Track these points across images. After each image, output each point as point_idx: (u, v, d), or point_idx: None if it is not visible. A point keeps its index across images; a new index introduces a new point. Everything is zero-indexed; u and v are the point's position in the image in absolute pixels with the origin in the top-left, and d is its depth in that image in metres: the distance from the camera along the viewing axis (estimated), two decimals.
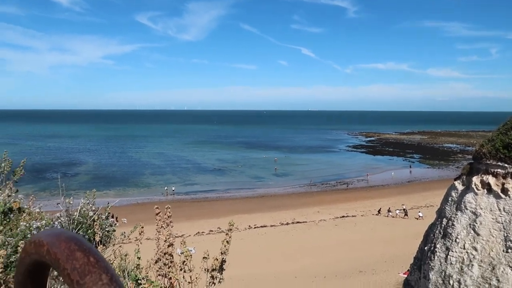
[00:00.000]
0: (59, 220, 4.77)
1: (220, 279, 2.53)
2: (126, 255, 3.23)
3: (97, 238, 3.59)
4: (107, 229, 4.84)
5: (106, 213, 5.21)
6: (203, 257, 2.60)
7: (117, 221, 5.67)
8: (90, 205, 5.06)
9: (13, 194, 5.38)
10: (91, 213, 4.84)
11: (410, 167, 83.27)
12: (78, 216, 4.82)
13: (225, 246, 2.62)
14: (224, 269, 2.59)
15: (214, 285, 2.51)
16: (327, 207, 50.72)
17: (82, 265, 0.81)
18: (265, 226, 43.00)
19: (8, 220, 4.99)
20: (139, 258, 2.79)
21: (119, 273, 2.98)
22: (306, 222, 44.52)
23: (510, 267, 11.86)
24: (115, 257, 3.67)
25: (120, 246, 3.58)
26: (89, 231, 4.59)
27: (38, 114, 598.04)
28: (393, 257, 31.38)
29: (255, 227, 42.62)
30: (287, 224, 43.91)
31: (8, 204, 5.10)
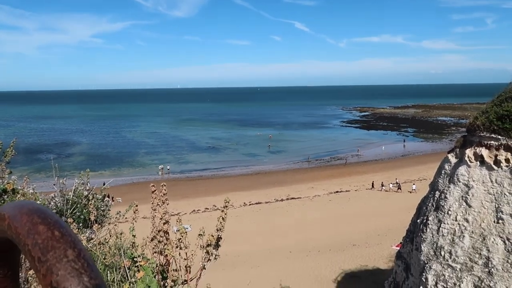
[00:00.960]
0: (54, 201, 4.77)
1: (215, 255, 2.56)
2: (121, 234, 3.25)
3: (92, 218, 3.60)
4: (102, 209, 4.85)
5: (102, 194, 5.21)
6: (199, 234, 2.62)
7: (112, 200, 5.68)
8: (85, 184, 5.05)
9: (6, 176, 5.35)
10: (85, 193, 4.84)
11: (404, 141, 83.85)
12: (73, 196, 4.82)
13: (220, 223, 2.64)
14: (220, 246, 2.62)
15: (210, 261, 2.53)
16: (321, 182, 51.19)
17: (45, 240, 0.70)
18: (260, 203, 43.43)
19: (2, 201, 4.98)
20: (134, 236, 2.81)
21: (114, 251, 3.00)
22: (300, 198, 44.99)
23: (500, 237, 12.14)
24: (110, 236, 3.69)
25: (115, 225, 3.59)
26: (84, 210, 4.60)
27: (30, 96, 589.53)
28: (386, 231, 31.98)
29: (250, 204, 43.04)
30: (282, 200, 44.36)
31: (1, 186, 5.08)
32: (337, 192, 46.87)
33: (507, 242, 11.87)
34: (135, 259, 2.68)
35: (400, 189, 45.97)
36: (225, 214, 2.63)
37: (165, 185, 2.69)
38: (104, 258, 2.99)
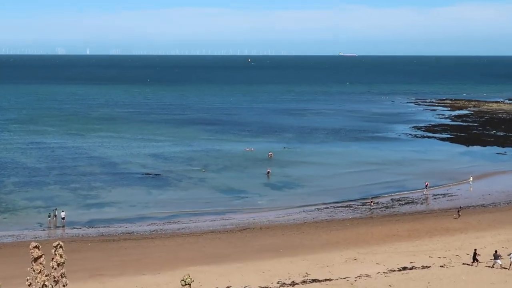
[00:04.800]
0: None
1: None
2: None
3: None
4: None
5: None
6: None
7: None
8: None
9: None
10: None
11: None
12: None
13: None
14: None
15: None
16: (373, 249, 51.02)
17: None
18: None
19: None
20: None
21: None
22: (331, 280, 44.74)
23: None
24: None
25: None
26: None
27: None
28: None
29: None
30: (293, 284, 44.19)
31: None
32: (405, 268, 46.72)
33: None
34: None
35: None
36: None
37: (62, 247, 2.69)
38: None
